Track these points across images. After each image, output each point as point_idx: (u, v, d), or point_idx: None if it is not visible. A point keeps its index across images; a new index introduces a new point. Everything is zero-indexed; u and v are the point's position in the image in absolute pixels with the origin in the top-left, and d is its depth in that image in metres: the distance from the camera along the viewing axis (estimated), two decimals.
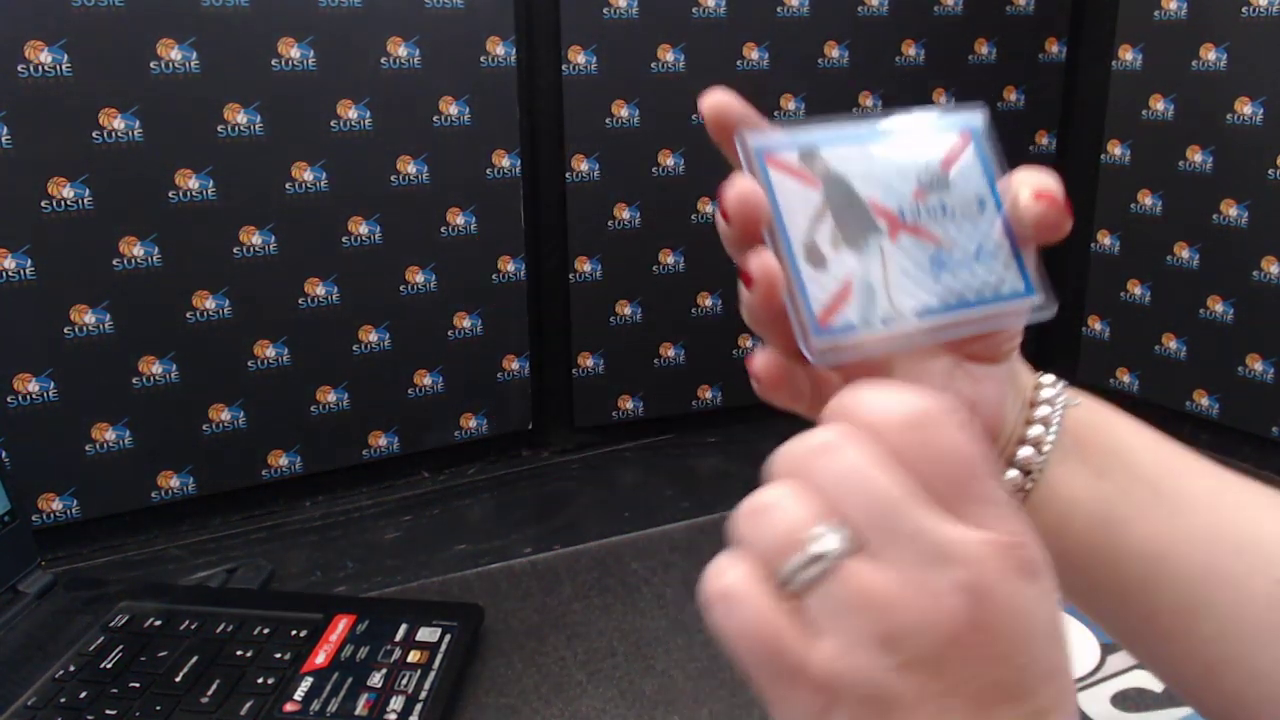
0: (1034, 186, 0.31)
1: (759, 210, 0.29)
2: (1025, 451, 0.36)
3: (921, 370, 0.34)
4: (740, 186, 0.29)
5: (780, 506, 0.25)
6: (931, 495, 0.25)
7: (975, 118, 0.31)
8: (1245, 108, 0.92)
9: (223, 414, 0.85)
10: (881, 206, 0.29)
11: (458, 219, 0.91)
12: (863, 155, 0.30)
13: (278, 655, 0.61)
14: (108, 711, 0.56)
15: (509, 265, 0.95)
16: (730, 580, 0.25)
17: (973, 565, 0.24)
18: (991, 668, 0.24)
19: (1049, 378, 0.37)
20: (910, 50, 1.04)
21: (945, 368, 0.35)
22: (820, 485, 0.25)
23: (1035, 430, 0.36)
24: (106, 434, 0.80)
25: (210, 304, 0.82)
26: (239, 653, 0.61)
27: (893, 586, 0.24)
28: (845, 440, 0.25)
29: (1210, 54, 0.95)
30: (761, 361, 0.32)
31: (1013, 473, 0.36)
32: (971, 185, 0.31)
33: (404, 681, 0.59)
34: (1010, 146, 0.31)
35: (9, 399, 0.76)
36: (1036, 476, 0.36)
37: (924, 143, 0.30)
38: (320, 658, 0.61)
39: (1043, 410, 0.36)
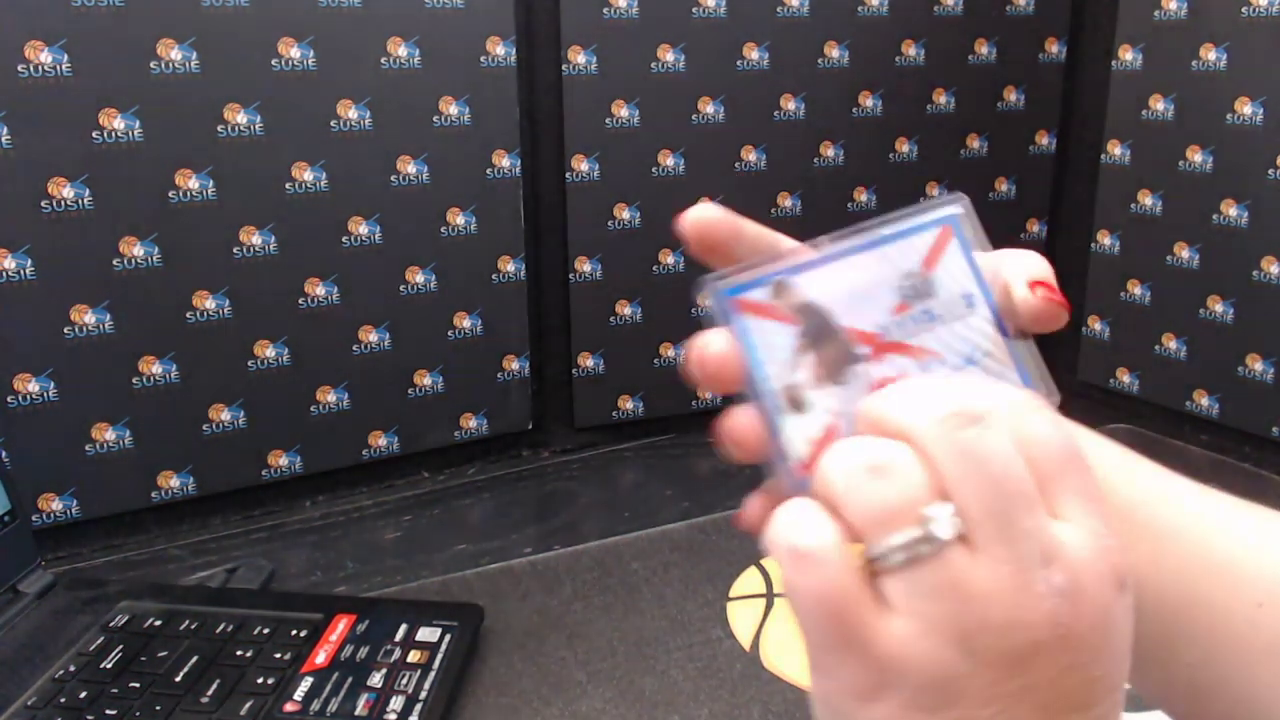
0: (1027, 276, 0.28)
1: (732, 369, 0.27)
2: None
3: None
4: (710, 346, 0.27)
5: (900, 472, 0.23)
6: (1041, 482, 0.24)
7: (955, 208, 0.29)
8: (1245, 108, 0.92)
9: (223, 414, 0.85)
10: (862, 331, 0.28)
11: (458, 219, 0.91)
12: (837, 277, 0.28)
13: (278, 655, 0.61)
14: (108, 711, 0.56)
15: (509, 265, 0.95)
16: (817, 542, 0.23)
17: (1072, 570, 0.23)
18: (1067, 675, 0.23)
19: None
20: (910, 50, 1.04)
21: None
22: (950, 457, 0.23)
23: None
24: (106, 434, 0.80)
25: (210, 304, 0.82)
26: (239, 653, 0.61)
27: (988, 582, 0.23)
28: (993, 418, 0.24)
29: (1210, 54, 0.95)
30: (751, 518, 0.30)
31: None
32: (957, 283, 0.28)
33: (404, 681, 0.59)
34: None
35: (9, 399, 0.76)
36: None
37: (902, 248, 0.28)
38: (320, 658, 0.61)
39: None
